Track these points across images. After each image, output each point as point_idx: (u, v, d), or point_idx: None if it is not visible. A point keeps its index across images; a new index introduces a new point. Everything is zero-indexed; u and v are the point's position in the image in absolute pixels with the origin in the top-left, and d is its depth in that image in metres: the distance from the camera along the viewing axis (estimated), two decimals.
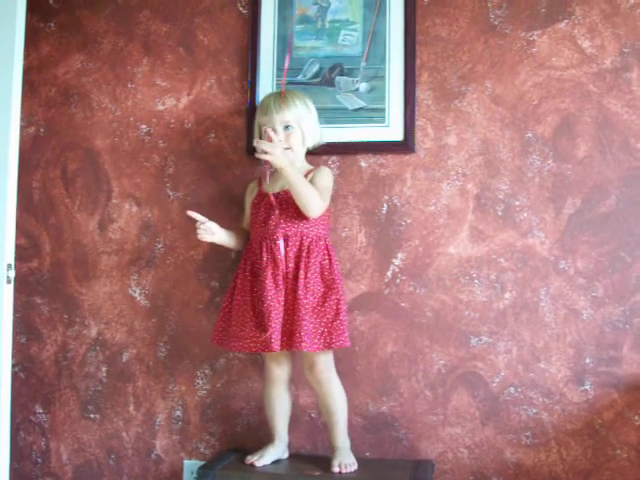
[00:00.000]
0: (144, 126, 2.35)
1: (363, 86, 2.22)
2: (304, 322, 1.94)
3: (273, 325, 1.94)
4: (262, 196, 2.10)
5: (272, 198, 2.04)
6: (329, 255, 2.04)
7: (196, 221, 2.05)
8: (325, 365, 2.04)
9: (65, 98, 2.40)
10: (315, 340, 1.95)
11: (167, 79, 2.35)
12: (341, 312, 2.00)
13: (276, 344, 1.94)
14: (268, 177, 2.06)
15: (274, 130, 2.03)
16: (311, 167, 2.12)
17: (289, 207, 2.03)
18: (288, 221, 2.03)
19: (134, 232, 2.34)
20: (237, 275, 2.08)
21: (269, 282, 1.98)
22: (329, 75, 2.24)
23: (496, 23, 2.19)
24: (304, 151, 2.13)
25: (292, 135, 2.07)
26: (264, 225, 2.05)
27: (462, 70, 2.20)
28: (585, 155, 2.13)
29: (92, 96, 2.38)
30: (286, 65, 2.23)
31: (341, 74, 2.24)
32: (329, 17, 2.26)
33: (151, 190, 2.34)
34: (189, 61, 2.34)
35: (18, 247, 2.23)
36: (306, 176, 2.06)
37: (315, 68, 2.25)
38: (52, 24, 2.42)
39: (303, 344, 1.93)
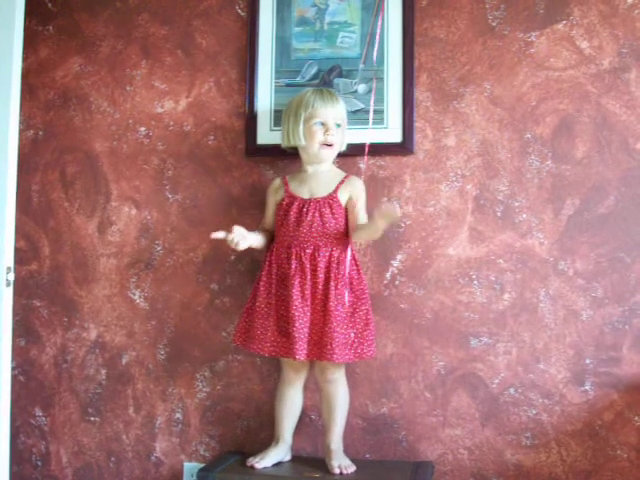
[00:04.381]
0: (143, 129, 2.35)
1: (362, 88, 2.22)
2: (335, 333, 1.94)
3: (297, 335, 1.94)
4: (291, 199, 2.05)
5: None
6: (357, 265, 2.04)
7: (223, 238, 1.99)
8: (338, 366, 2.05)
9: (64, 101, 2.40)
10: (346, 351, 1.96)
11: (166, 82, 2.35)
12: (370, 323, 2.01)
13: (301, 353, 1.94)
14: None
15: (327, 125, 2.02)
16: (343, 173, 2.09)
17: (322, 216, 2.01)
18: (320, 231, 2.01)
19: (133, 235, 2.34)
20: (260, 277, 2.05)
21: (296, 291, 1.97)
22: (328, 77, 2.24)
23: (494, 24, 2.19)
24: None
25: (340, 134, 2.06)
26: (294, 231, 2.02)
27: (461, 71, 2.20)
28: (584, 156, 2.13)
29: (91, 99, 2.39)
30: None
31: (340, 76, 2.24)
32: (327, 19, 2.27)
33: (150, 193, 2.34)
34: (188, 63, 2.34)
35: (17, 250, 2.23)
36: (342, 183, 2.04)
37: (313, 70, 2.25)
38: (50, 27, 2.42)
39: (335, 356, 1.93)
